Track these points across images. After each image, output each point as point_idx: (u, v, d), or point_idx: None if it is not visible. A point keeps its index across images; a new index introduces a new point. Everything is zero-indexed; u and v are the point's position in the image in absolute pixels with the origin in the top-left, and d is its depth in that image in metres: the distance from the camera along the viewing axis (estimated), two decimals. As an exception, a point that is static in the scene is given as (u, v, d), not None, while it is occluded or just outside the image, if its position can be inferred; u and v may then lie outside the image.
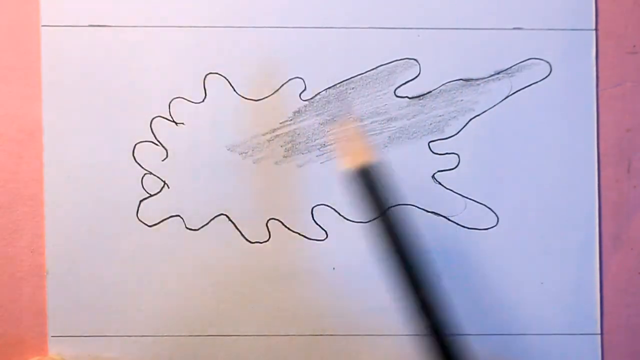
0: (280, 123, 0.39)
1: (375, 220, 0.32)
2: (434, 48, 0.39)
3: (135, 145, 0.38)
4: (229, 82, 0.38)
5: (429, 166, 0.39)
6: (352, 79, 0.39)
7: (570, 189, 0.39)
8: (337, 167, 0.38)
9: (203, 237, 0.38)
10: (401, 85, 0.39)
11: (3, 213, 0.38)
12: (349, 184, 0.32)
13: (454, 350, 0.32)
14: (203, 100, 0.38)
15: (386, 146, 0.39)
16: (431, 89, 0.39)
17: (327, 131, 0.39)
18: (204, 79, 0.38)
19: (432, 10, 0.39)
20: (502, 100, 0.39)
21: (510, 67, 0.39)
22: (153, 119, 0.38)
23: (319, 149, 0.39)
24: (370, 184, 0.32)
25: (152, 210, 0.38)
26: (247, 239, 0.39)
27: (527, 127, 0.39)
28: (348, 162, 0.32)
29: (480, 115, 0.39)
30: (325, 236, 0.39)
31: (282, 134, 0.39)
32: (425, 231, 0.39)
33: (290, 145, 0.39)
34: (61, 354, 0.38)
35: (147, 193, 0.38)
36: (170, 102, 0.38)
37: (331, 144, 0.39)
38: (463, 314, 0.39)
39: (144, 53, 0.38)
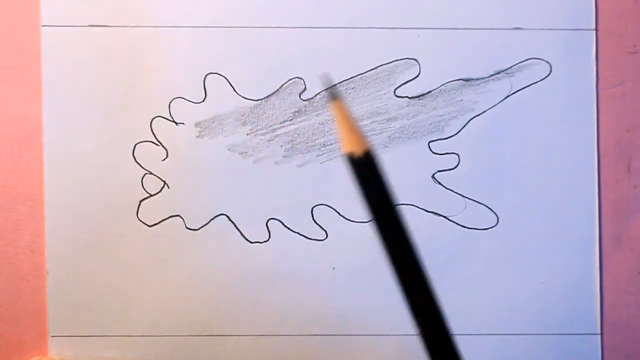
0: (280, 123, 0.39)
1: (373, 213, 0.31)
2: (434, 48, 0.39)
3: (135, 145, 0.38)
4: (229, 82, 0.38)
5: (429, 166, 0.39)
6: (352, 79, 0.39)
7: (570, 189, 0.39)
8: (340, 157, 0.38)
9: (203, 237, 0.39)
10: (401, 85, 0.39)
11: (3, 213, 0.38)
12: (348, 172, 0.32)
13: (451, 348, 0.32)
14: (203, 100, 0.38)
15: (386, 146, 0.39)
16: (431, 89, 0.39)
17: (327, 131, 0.39)
18: (204, 79, 0.38)
19: (432, 10, 0.39)
20: (502, 100, 0.39)
21: (510, 67, 0.39)
22: (153, 119, 0.38)
23: (319, 149, 0.39)
24: (369, 171, 0.32)
25: (152, 210, 0.38)
26: (247, 239, 0.39)
27: (527, 127, 0.39)
28: (344, 148, 0.31)
29: (480, 115, 0.39)
30: (325, 236, 0.39)
31: (282, 134, 0.39)
32: (425, 231, 0.39)
33: (290, 145, 0.39)
34: (61, 354, 0.38)
35: (147, 193, 0.38)
36: (170, 102, 0.38)
37: (331, 144, 0.39)
38: (463, 313, 0.39)
39: (144, 53, 0.38)
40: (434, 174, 0.39)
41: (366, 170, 0.31)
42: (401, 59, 0.39)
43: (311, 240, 0.39)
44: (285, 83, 0.39)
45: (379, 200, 0.30)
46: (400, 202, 0.39)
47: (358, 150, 0.31)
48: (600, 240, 0.39)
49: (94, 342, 0.38)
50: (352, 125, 0.31)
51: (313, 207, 0.39)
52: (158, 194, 0.38)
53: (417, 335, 0.38)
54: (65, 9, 0.38)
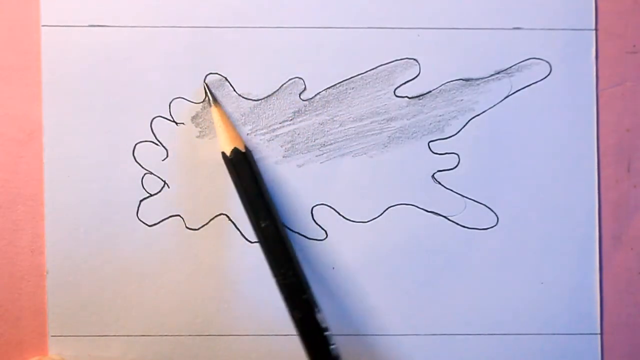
0: (280, 123, 0.39)
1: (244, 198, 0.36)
2: (434, 48, 0.39)
3: (135, 145, 0.38)
4: (229, 82, 0.38)
5: (428, 166, 0.39)
6: (352, 79, 0.39)
7: (570, 189, 0.39)
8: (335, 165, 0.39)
9: (203, 237, 0.39)
10: (401, 85, 0.39)
11: (3, 213, 0.38)
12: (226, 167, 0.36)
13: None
14: (203, 100, 0.38)
15: (386, 146, 0.39)
16: (431, 89, 0.39)
17: (327, 131, 0.39)
18: (204, 79, 0.38)
19: (432, 10, 0.39)
20: (502, 100, 0.39)
21: (510, 67, 0.39)
22: (153, 119, 0.38)
23: (319, 149, 0.39)
24: (239, 169, 0.36)
25: (152, 210, 0.38)
26: (247, 239, 0.39)
27: (527, 127, 0.39)
28: (221, 146, 0.36)
29: (480, 115, 0.39)
30: (325, 236, 0.39)
31: (282, 134, 0.39)
32: (425, 231, 0.39)
33: (290, 145, 0.39)
34: (61, 354, 0.38)
35: (147, 193, 0.38)
36: (170, 102, 0.38)
37: (331, 144, 0.39)
38: (462, 313, 0.39)
39: (144, 53, 0.38)
40: (434, 174, 0.39)
41: (238, 166, 0.36)
42: (401, 59, 0.39)
43: (311, 240, 0.39)
44: (285, 83, 0.39)
45: (250, 190, 0.36)
46: (400, 202, 0.39)
47: (229, 149, 0.36)
48: (600, 240, 0.39)
49: (94, 342, 0.38)
50: (227, 126, 0.36)
51: (313, 207, 0.39)
52: (158, 194, 0.38)
53: (417, 335, 0.39)
54: (65, 9, 0.38)
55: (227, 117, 0.34)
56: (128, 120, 0.38)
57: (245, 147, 0.35)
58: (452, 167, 0.39)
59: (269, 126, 0.39)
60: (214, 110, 0.34)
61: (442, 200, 0.39)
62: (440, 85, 0.39)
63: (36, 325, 0.38)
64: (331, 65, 0.38)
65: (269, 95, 0.39)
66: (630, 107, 0.39)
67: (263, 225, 0.36)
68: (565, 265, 0.39)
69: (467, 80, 0.39)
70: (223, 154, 0.35)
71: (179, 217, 0.38)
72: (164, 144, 0.38)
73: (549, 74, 0.39)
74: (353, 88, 0.39)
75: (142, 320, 0.38)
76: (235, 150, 0.34)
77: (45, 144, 0.38)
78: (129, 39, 0.38)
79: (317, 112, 0.39)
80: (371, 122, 0.39)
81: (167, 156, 0.39)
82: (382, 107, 0.39)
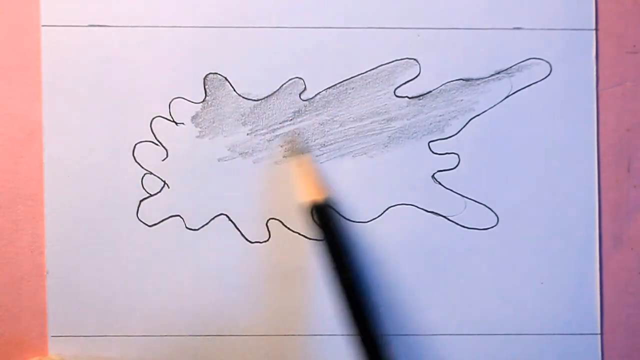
0: (280, 123, 0.39)
1: (328, 255, 0.35)
2: (434, 48, 0.39)
3: (135, 145, 0.38)
4: (229, 82, 0.38)
5: (428, 166, 0.39)
6: (352, 79, 0.39)
7: (570, 189, 0.39)
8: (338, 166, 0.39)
9: (203, 237, 0.39)
10: (401, 85, 0.39)
11: (3, 213, 0.38)
12: (307, 217, 0.36)
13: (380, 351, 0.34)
14: (203, 100, 0.38)
15: (386, 146, 0.39)
16: (431, 89, 0.39)
17: (327, 131, 0.39)
18: (204, 79, 0.38)
19: (432, 10, 0.39)
20: (502, 100, 0.39)
21: (510, 67, 0.39)
22: (153, 119, 0.38)
23: (319, 149, 0.39)
24: (325, 220, 0.36)
25: (152, 210, 0.38)
26: (247, 239, 0.39)
27: (527, 127, 0.39)
28: (305, 198, 0.35)
29: (480, 115, 0.39)
30: (325, 236, 0.39)
31: (282, 134, 0.39)
32: (425, 231, 0.39)
33: (290, 145, 0.39)
34: (61, 354, 0.38)
35: (147, 193, 0.38)
36: (170, 102, 0.38)
37: (331, 144, 0.39)
38: (463, 314, 0.39)
39: (144, 53, 0.38)
40: (434, 174, 0.39)
41: (325, 217, 0.36)
42: (401, 59, 0.39)
43: (311, 240, 0.39)
44: (285, 83, 0.39)
45: (336, 242, 0.35)
46: (400, 202, 0.39)
47: (319, 199, 0.35)
48: (600, 240, 0.39)
49: (94, 342, 0.38)
50: (314, 178, 0.35)
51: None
52: (158, 194, 0.38)
53: (418, 335, 0.39)
54: (65, 9, 0.38)
55: (313, 167, 0.34)
56: (128, 120, 0.38)
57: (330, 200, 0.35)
58: (452, 167, 0.39)
59: (269, 126, 0.39)
60: (303, 161, 0.33)
61: (442, 200, 0.39)
62: (441, 85, 0.39)
63: (36, 325, 0.38)
64: (331, 65, 0.38)
65: (269, 95, 0.39)
66: (630, 107, 0.39)
67: (345, 277, 0.35)
68: (565, 265, 0.39)
69: (467, 80, 0.39)
70: (311, 205, 0.34)
71: (179, 217, 0.38)
72: (164, 144, 0.38)
73: (549, 74, 0.39)
74: (353, 88, 0.39)
75: (142, 320, 0.38)
76: (325, 202, 0.34)
77: (45, 144, 0.38)
78: (129, 39, 0.38)
79: (317, 112, 0.39)
80: (371, 122, 0.39)
81: (167, 156, 0.39)
82: (382, 107, 0.39)
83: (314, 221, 0.34)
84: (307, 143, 0.33)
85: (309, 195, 0.34)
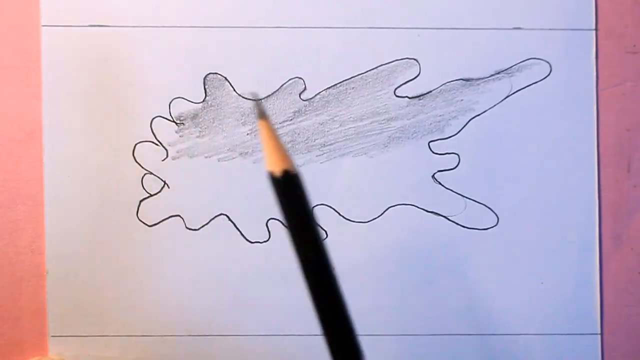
0: (280, 123, 0.39)
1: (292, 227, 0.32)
2: (434, 48, 0.39)
3: (135, 145, 0.38)
4: (229, 82, 0.38)
5: (429, 166, 0.39)
6: (352, 78, 0.39)
7: (570, 189, 0.39)
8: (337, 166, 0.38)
9: (203, 237, 0.39)
10: (401, 85, 0.39)
11: (3, 213, 0.38)
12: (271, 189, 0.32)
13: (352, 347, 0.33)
14: (203, 100, 0.38)
15: (386, 146, 0.39)
16: (431, 89, 0.39)
17: (327, 131, 0.39)
18: (204, 79, 0.38)
19: (432, 10, 0.39)
20: (502, 100, 0.39)
21: (510, 67, 0.39)
22: (153, 119, 0.38)
23: (319, 149, 0.39)
24: (283, 194, 0.33)
25: (152, 210, 0.38)
26: (247, 239, 0.39)
27: (527, 127, 0.39)
28: (268, 165, 0.32)
29: (480, 115, 0.39)
30: (325, 236, 0.39)
31: (282, 134, 0.39)
32: (425, 231, 0.39)
33: (290, 145, 0.39)
34: (61, 354, 0.38)
35: (147, 193, 0.38)
36: (170, 102, 0.38)
37: (331, 144, 0.39)
38: (463, 314, 0.39)
39: (144, 53, 0.38)
40: (434, 174, 0.39)
41: (286, 189, 0.32)
42: (401, 59, 0.39)
43: (311, 240, 0.39)
44: (285, 83, 0.39)
45: (297, 217, 0.31)
46: (400, 202, 0.39)
47: (278, 170, 0.32)
48: (600, 240, 0.39)
49: (94, 342, 0.38)
50: (276, 145, 0.32)
51: (313, 207, 0.39)
52: (158, 194, 0.38)
53: (418, 335, 0.39)
54: (65, 9, 0.38)
55: (276, 134, 0.31)
56: (128, 120, 0.38)
57: (297, 170, 0.33)
58: (452, 167, 0.39)
59: (269, 126, 0.39)
60: (262, 125, 0.31)
61: (442, 200, 0.39)
62: (441, 85, 0.39)
63: (36, 325, 0.38)
64: (331, 65, 0.38)
65: (269, 95, 0.39)
66: (630, 107, 0.39)
67: (309, 255, 0.34)
68: (565, 265, 0.39)
69: (467, 80, 0.39)
70: (270, 174, 0.33)
71: (179, 217, 0.38)
72: (164, 144, 0.38)
73: (549, 74, 0.39)
74: (353, 88, 0.39)
75: (142, 320, 0.38)
76: (286, 172, 0.32)
77: (45, 144, 0.38)
78: (129, 39, 0.38)
79: (317, 112, 0.39)
80: (371, 122, 0.39)
81: (167, 156, 0.39)
82: (382, 107, 0.39)
83: (275, 194, 0.32)
84: (264, 109, 0.31)
85: (268, 165, 0.32)
